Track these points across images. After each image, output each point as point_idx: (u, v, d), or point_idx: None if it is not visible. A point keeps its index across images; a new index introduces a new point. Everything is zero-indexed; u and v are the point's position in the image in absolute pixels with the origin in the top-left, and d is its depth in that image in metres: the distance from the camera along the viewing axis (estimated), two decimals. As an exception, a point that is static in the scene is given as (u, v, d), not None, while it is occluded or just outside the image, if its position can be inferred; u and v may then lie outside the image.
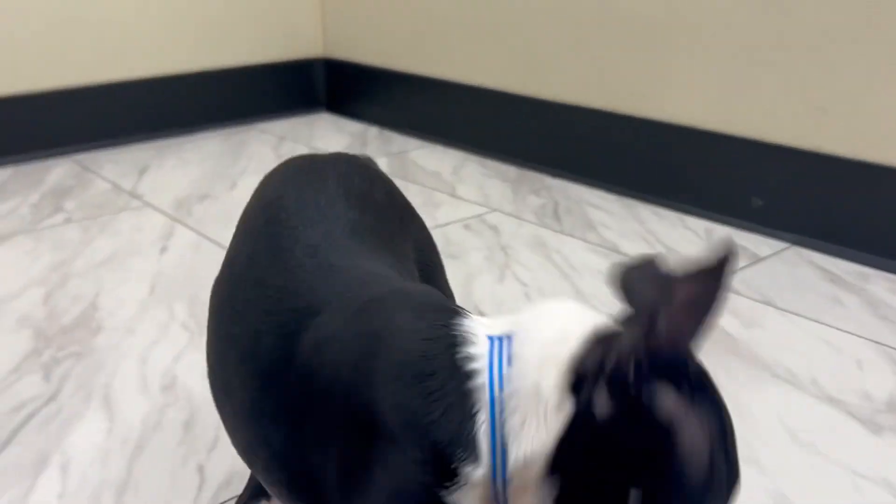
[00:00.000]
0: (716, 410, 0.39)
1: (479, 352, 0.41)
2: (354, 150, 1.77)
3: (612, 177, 1.47)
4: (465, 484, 0.39)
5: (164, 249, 1.25)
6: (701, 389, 0.38)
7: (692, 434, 0.37)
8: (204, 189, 1.53)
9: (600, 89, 1.47)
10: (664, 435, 0.36)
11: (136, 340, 0.98)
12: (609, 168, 1.48)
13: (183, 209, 1.42)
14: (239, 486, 0.71)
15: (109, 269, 1.18)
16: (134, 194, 1.50)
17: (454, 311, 0.44)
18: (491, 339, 0.41)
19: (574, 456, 0.38)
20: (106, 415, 0.83)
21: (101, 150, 1.79)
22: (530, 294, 1.08)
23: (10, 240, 1.29)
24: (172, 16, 1.86)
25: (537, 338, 0.40)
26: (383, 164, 1.66)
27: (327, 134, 1.93)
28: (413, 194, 1.49)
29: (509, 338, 0.41)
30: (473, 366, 0.40)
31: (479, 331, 0.42)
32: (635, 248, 1.21)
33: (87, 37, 1.75)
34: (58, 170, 1.66)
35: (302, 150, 1.79)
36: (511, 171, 1.62)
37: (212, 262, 1.20)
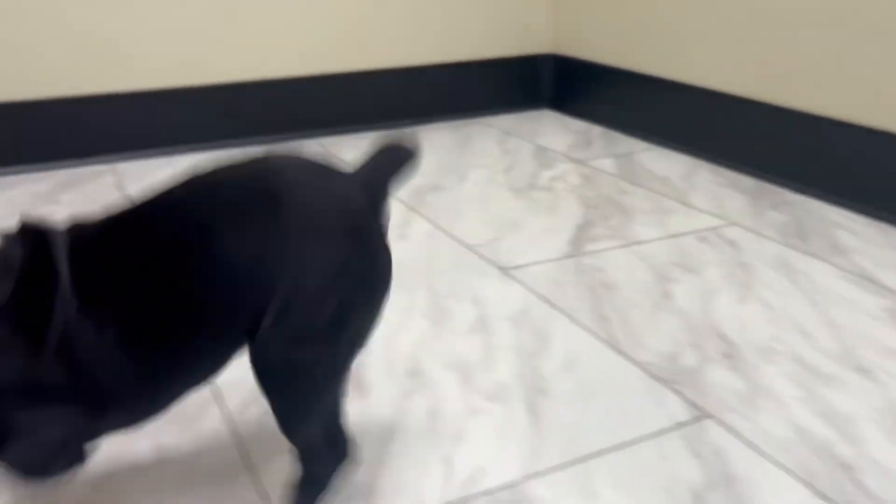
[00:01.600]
0: None
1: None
2: (578, 148, 1.77)
3: (865, 197, 1.36)
4: None
5: (403, 237, 1.31)
6: None
7: None
8: (436, 180, 1.59)
9: (859, 102, 1.36)
10: None
11: (382, 325, 1.03)
12: (863, 188, 1.37)
13: (417, 198, 1.48)
14: (486, 482, 0.74)
15: (354, 251, 1.25)
16: (372, 180, 1.59)
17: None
18: None
19: None
20: (358, 394, 0.88)
21: (341, 135, 1.91)
22: (777, 319, 1.02)
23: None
24: (410, 10, 1.94)
25: None
26: (609, 165, 1.65)
27: (551, 131, 1.94)
28: (640, 199, 1.47)
29: None
30: None
31: None
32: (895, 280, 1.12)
33: (335, 29, 1.87)
34: (306, 151, 1.78)
35: (526, 146, 1.81)
36: (747, 181, 1.54)
37: (446, 252, 1.27)
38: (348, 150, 1.78)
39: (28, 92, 1.63)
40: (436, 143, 1.86)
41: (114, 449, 0.79)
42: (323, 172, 0.63)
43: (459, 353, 0.96)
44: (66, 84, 1.65)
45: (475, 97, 2.07)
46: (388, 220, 0.64)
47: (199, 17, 1.73)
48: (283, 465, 0.77)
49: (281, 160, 0.63)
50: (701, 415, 0.84)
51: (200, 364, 0.62)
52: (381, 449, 0.79)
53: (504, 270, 1.17)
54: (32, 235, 0.58)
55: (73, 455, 0.62)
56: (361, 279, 0.62)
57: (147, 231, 0.59)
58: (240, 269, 0.59)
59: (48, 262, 0.57)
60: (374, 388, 0.89)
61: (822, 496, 0.72)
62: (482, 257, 1.22)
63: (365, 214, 0.63)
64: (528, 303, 1.07)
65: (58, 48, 1.63)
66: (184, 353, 0.60)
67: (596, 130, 1.93)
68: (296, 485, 0.69)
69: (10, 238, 0.58)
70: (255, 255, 0.59)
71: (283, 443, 0.72)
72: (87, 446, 0.63)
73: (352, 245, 0.61)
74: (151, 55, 1.71)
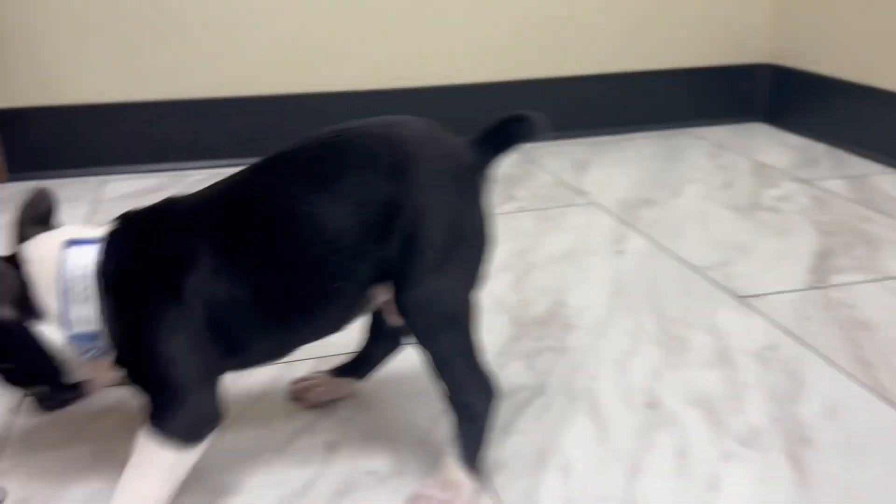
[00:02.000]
0: None
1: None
2: (802, 167, 1.62)
3: None
4: None
5: (619, 253, 1.23)
6: None
7: None
8: (646, 193, 1.50)
9: None
10: None
11: (609, 346, 0.96)
12: None
13: (630, 212, 1.40)
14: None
15: (569, 265, 1.19)
16: (578, 190, 1.52)
17: None
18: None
19: None
20: (594, 422, 0.82)
21: (542, 142, 1.85)
22: None
23: (474, 221, 1.37)
24: (617, 15, 1.86)
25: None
26: (840, 188, 1.49)
27: (768, 146, 1.79)
28: (887, 228, 1.31)
29: None
30: None
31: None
32: None
33: (539, 33, 1.82)
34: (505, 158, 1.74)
35: (742, 161, 1.68)
36: None
37: (669, 273, 1.19)
38: (550, 158, 1.73)
39: (245, 89, 1.69)
40: (642, 153, 1.76)
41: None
42: (436, 131, 0.71)
43: (701, 388, 0.87)
44: (271, 83, 1.70)
45: (683, 107, 1.95)
46: (489, 185, 0.73)
47: (403, 21, 1.73)
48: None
49: (399, 119, 0.71)
50: None
51: (330, 310, 0.69)
52: (628, 488, 0.72)
53: (740, 299, 1.07)
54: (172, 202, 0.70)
55: (210, 395, 0.67)
56: (472, 226, 0.70)
57: (278, 181, 0.68)
58: (366, 216, 0.65)
59: (189, 222, 0.67)
60: (611, 417, 0.83)
61: None
62: (713, 282, 1.12)
63: (470, 170, 0.71)
64: (773, 338, 0.97)
65: (269, 48, 1.68)
66: (313, 300, 0.67)
67: (819, 148, 1.77)
68: (457, 435, 0.70)
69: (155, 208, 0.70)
70: (380, 201, 0.65)
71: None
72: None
73: (462, 195, 0.69)
74: (355, 57, 1.73)
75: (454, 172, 0.69)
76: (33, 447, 0.79)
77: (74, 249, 0.65)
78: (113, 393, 0.83)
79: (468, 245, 0.70)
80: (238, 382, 0.88)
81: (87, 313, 0.64)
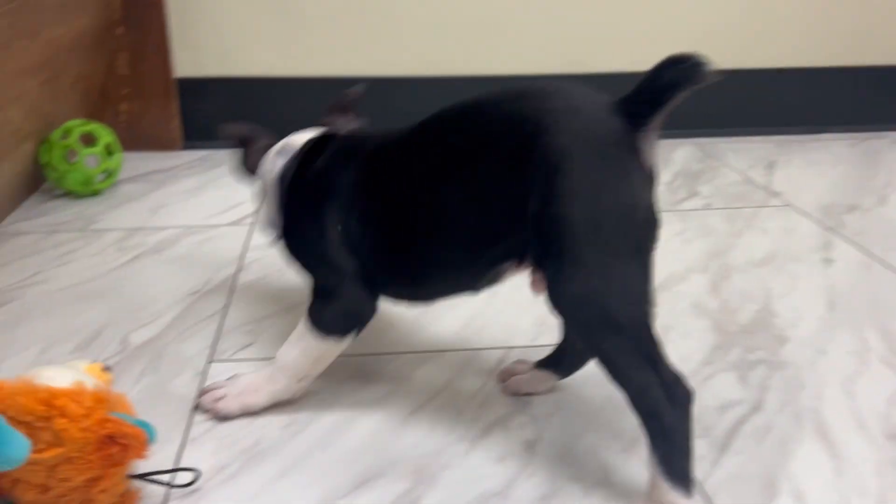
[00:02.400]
0: None
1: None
2: None
3: None
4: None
5: (827, 262, 1.11)
6: None
7: None
8: (848, 198, 1.36)
9: None
10: None
11: (830, 364, 0.86)
12: None
13: (832, 218, 1.27)
14: None
15: (771, 270, 1.09)
16: (770, 191, 1.40)
17: None
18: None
19: None
20: (825, 448, 0.72)
21: (719, 137, 1.73)
22: None
23: (656, 216, 1.28)
24: (816, 7, 1.70)
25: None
26: None
27: (984, 155, 1.60)
28: None
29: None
30: None
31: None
32: None
33: (728, 23, 1.69)
34: (681, 150, 1.64)
35: (955, 170, 1.50)
36: None
37: (891, 288, 1.06)
38: (732, 155, 1.61)
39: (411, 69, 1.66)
40: (835, 155, 1.61)
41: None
42: (574, 97, 0.63)
43: (952, 421, 0.76)
44: (455, 63, 1.66)
45: (882, 108, 1.78)
46: (650, 146, 0.62)
47: (583, 7, 1.65)
48: None
49: (535, 88, 0.65)
50: None
51: (457, 269, 0.69)
52: (880, 531, 0.63)
53: (985, 322, 0.94)
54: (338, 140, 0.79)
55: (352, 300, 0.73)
56: (627, 205, 0.61)
57: (431, 140, 0.68)
58: (494, 201, 0.63)
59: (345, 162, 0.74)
60: (846, 445, 0.73)
61: None
62: (946, 301, 0.99)
63: (618, 139, 0.61)
64: None
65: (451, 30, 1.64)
66: (441, 255, 0.68)
67: None
68: (654, 451, 0.61)
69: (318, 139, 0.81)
70: (508, 186, 0.62)
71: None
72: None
73: (609, 170, 0.60)
74: (523, 40, 1.66)
75: (595, 145, 0.61)
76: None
77: (279, 156, 0.82)
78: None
79: (623, 229, 0.61)
80: (423, 365, 0.84)
81: (272, 207, 0.81)
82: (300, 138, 0.83)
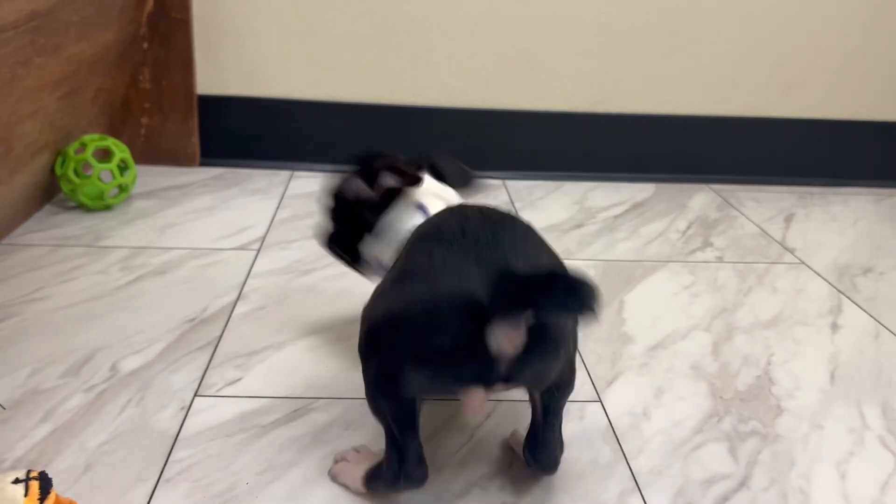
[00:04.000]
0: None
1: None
2: None
3: None
4: None
5: (835, 327, 1.09)
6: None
7: None
8: (865, 259, 1.33)
9: None
10: None
11: (826, 441, 0.84)
12: None
13: (846, 280, 1.24)
14: None
15: (776, 333, 1.06)
16: (785, 246, 1.37)
17: None
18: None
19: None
20: (810, 534, 0.70)
21: (738, 184, 1.71)
22: None
23: (666, 266, 1.26)
24: (845, 60, 1.68)
25: None
26: None
27: None
28: None
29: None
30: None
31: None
32: None
33: (754, 70, 1.67)
34: (699, 196, 1.62)
35: (980, 235, 1.47)
36: None
37: (897, 360, 1.03)
38: (752, 204, 1.58)
39: (459, 101, 1.66)
40: (856, 211, 1.58)
41: None
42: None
43: (946, 514, 0.73)
44: (483, 96, 1.66)
45: (908, 164, 1.75)
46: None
47: (615, 49, 1.64)
48: None
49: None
50: None
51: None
52: None
53: None
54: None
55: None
56: None
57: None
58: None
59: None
60: (831, 533, 0.71)
61: None
62: (954, 380, 0.96)
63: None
64: None
65: (482, 63, 1.63)
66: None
67: None
68: None
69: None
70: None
71: None
72: None
73: None
74: (561, 77, 1.66)
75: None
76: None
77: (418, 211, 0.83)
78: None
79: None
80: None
81: (389, 254, 0.83)
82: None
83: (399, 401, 0.66)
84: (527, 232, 0.72)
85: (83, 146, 1.32)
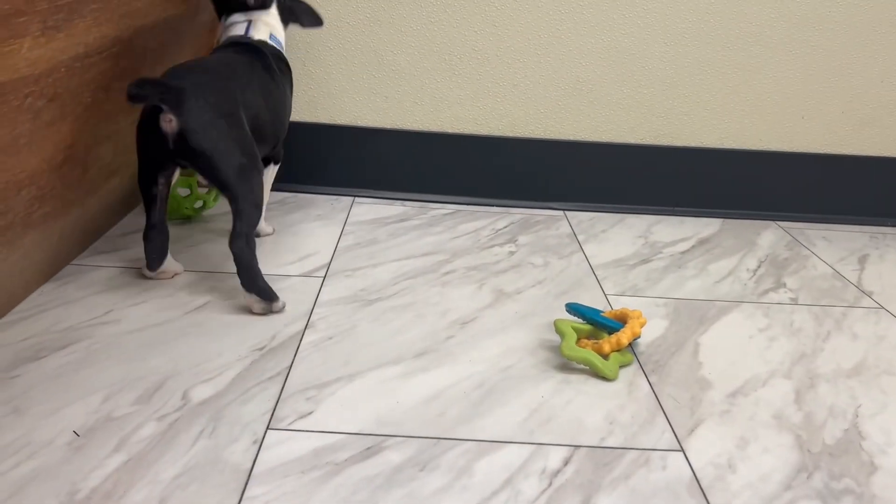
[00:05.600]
0: None
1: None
2: None
3: None
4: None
5: (923, 378, 1.04)
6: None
7: None
8: (947, 306, 1.28)
9: None
10: None
11: None
12: None
13: (929, 327, 1.19)
14: None
15: (861, 383, 1.02)
16: (862, 289, 1.33)
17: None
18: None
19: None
20: None
21: (808, 222, 1.66)
22: None
23: (738, 307, 1.22)
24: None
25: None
26: None
27: None
28: None
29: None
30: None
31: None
32: None
33: (827, 106, 1.63)
34: (767, 234, 1.58)
35: None
36: None
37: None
38: (822, 243, 1.53)
39: (506, 130, 1.65)
40: (934, 254, 1.52)
41: None
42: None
43: None
44: (543, 127, 1.64)
45: None
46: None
47: (681, 80, 1.61)
48: None
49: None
50: None
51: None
52: None
53: None
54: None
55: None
56: None
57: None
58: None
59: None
60: None
61: None
62: None
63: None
64: None
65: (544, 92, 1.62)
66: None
67: None
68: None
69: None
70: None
71: None
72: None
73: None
74: (632, 108, 1.63)
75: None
76: (278, 490, 0.75)
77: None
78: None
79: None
80: (484, 457, 0.80)
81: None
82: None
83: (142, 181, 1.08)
84: (250, 79, 1.14)
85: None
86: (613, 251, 1.43)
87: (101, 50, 0.98)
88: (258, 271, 1.07)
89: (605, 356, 0.99)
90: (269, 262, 1.26)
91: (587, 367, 0.99)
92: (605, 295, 1.23)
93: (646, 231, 1.56)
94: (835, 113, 1.65)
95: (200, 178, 1.18)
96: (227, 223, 1.42)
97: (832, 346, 1.11)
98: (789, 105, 1.64)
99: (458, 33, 1.58)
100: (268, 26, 1.27)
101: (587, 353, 0.97)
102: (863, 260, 1.47)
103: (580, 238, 1.49)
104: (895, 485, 0.82)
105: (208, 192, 1.42)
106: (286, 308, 1.11)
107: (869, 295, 1.30)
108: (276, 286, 1.17)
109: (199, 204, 1.42)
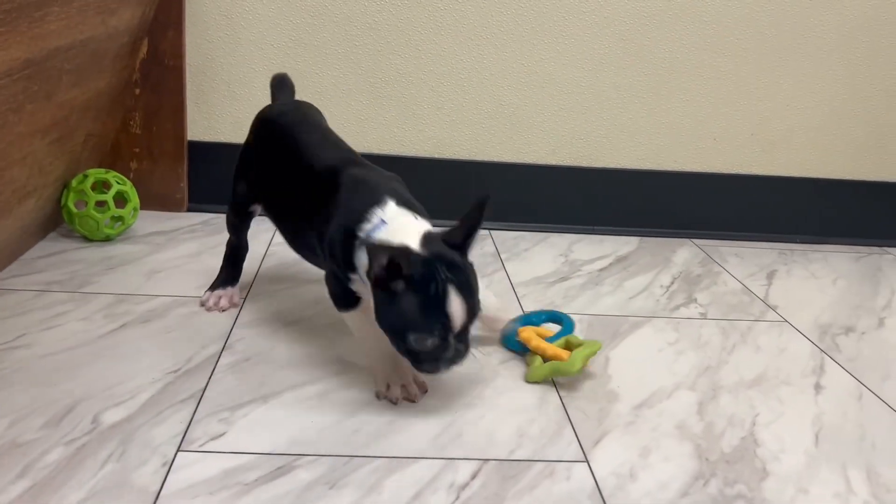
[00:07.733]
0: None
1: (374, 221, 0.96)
2: None
3: None
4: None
5: (818, 388, 1.10)
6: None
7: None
8: (846, 318, 1.35)
9: None
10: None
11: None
12: None
13: (828, 339, 1.26)
14: None
15: (760, 393, 1.07)
16: (768, 303, 1.39)
17: (384, 197, 0.99)
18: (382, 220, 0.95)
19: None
20: None
21: (722, 239, 1.73)
22: None
23: (650, 322, 1.27)
24: (828, 121, 1.72)
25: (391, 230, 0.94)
26: None
27: None
28: None
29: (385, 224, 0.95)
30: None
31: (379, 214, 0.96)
32: None
33: (739, 131, 1.71)
34: (683, 251, 1.64)
35: (957, 295, 1.49)
36: None
37: (884, 423, 1.03)
38: (734, 260, 1.60)
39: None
40: (835, 269, 1.61)
41: None
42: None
43: (931, 583, 0.73)
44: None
45: (882, 223, 1.78)
46: None
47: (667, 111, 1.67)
48: None
49: None
50: None
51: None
52: None
53: (975, 472, 0.91)
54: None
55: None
56: None
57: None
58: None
59: None
60: None
61: None
62: (936, 444, 0.97)
63: None
64: None
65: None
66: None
67: None
68: None
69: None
70: None
71: None
72: None
73: None
74: (553, 131, 1.68)
75: None
76: None
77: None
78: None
79: None
80: (394, 474, 0.82)
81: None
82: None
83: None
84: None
85: (85, 178, 1.40)
86: (534, 269, 1.47)
87: (11, 73, 0.98)
88: None
89: (547, 359, 1.03)
90: (189, 285, 1.26)
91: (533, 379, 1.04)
92: (524, 312, 1.26)
93: (567, 249, 1.60)
94: (745, 135, 1.73)
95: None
96: (144, 243, 1.42)
97: (736, 359, 1.16)
98: (702, 128, 1.71)
99: (383, 56, 1.61)
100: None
101: (550, 368, 1.02)
102: (771, 276, 1.54)
103: (503, 257, 1.53)
104: (784, 489, 0.86)
105: (124, 208, 1.41)
106: (204, 330, 1.11)
107: (774, 309, 1.37)
108: (194, 308, 1.17)
109: (118, 225, 1.41)
